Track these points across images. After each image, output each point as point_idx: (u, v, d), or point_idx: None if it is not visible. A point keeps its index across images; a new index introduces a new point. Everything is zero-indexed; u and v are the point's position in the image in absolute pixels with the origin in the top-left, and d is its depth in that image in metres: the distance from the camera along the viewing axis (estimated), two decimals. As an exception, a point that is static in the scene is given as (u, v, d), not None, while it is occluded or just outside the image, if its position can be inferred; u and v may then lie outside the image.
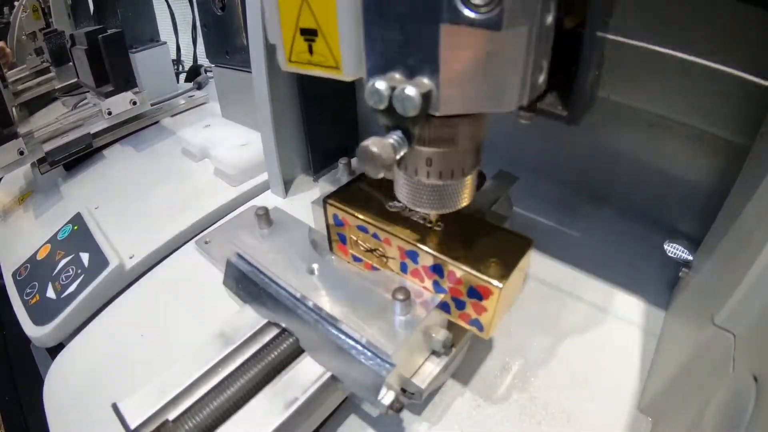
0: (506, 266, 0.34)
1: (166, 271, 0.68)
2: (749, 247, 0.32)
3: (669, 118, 0.57)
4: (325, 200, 0.41)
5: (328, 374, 0.38)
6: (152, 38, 1.25)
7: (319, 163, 0.78)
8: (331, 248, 0.44)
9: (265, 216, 0.46)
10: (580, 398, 0.45)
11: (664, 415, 0.42)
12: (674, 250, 0.61)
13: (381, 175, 0.26)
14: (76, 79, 1.18)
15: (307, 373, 0.38)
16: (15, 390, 0.93)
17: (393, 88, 0.25)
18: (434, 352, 0.40)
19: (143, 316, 0.62)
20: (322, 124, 0.74)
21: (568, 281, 0.58)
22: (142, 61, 1.15)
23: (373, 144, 0.26)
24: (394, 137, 0.27)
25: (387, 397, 0.35)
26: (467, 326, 0.37)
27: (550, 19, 0.24)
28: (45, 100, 1.31)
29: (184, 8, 1.40)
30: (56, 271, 0.75)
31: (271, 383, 0.38)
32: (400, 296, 0.35)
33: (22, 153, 0.92)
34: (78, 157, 1.01)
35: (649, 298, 0.55)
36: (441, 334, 0.38)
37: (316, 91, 0.71)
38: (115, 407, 0.38)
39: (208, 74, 1.28)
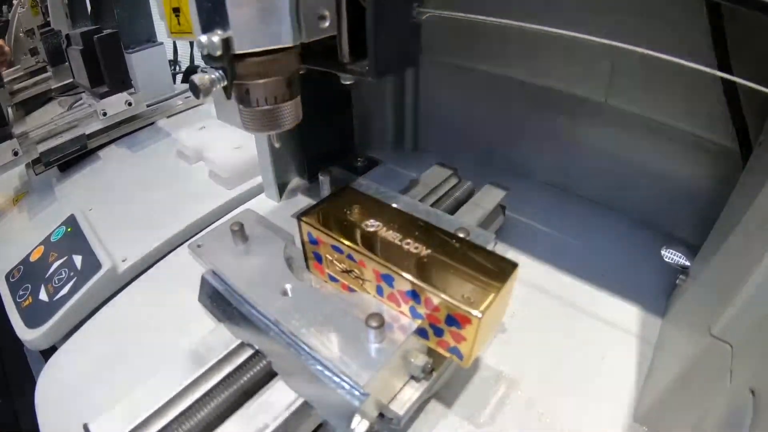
0: (487, 293, 0.31)
1: (159, 274, 0.66)
2: (748, 256, 0.30)
3: (668, 124, 0.55)
4: (299, 218, 0.38)
5: (301, 400, 0.35)
6: (149, 39, 1.23)
7: (314, 167, 0.75)
8: (307, 266, 0.42)
9: (240, 231, 0.43)
10: (575, 409, 0.43)
11: (660, 426, 0.40)
12: (671, 256, 0.59)
13: (201, 98, 0.37)
14: (72, 80, 1.16)
15: (279, 399, 0.36)
16: (8, 392, 0.91)
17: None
18: (414, 377, 0.37)
19: (135, 320, 0.60)
20: (317, 127, 0.71)
21: (563, 288, 0.55)
22: (138, 61, 1.13)
23: (196, 77, 0.35)
24: (214, 74, 0.35)
25: (361, 426, 0.32)
26: (446, 354, 0.35)
27: None
28: (41, 99, 1.30)
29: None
30: (49, 273, 0.73)
31: (243, 407, 0.36)
32: (374, 323, 0.32)
33: (16, 153, 0.89)
34: (73, 158, 0.98)
35: (645, 306, 0.53)
36: (420, 360, 0.35)
37: (311, 95, 0.68)
38: (85, 428, 0.36)
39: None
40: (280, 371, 0.37)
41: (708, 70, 0.32)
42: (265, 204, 0.74)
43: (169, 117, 1.11)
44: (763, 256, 0.27)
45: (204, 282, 0.43)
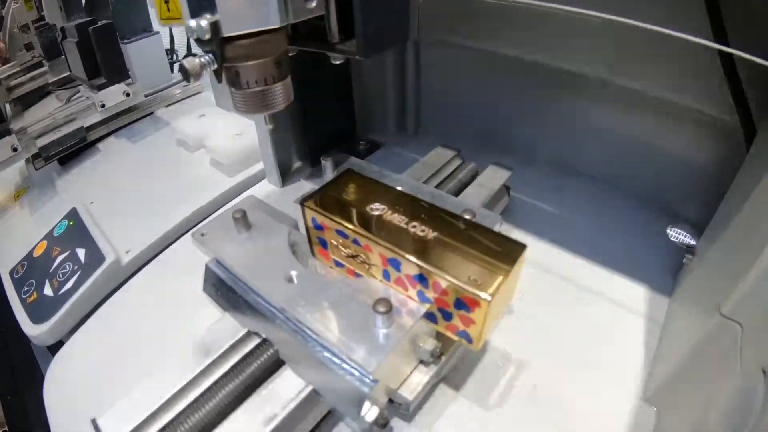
0: (495, 276, 0.31)
1: (163, 265, 0.65)
2: (757, 235, 0.30)
3: (672, 101, 0.54)
4: (302, 202, 0.37)
5: (310, 388, 0.35)
6: (145, 28, 1.21)
7: (316, 150, 0.74)
8: (312, 252, 0.41)
9: (242, 219, 0.42)
10: (584, 389, 0.42)
11: (669, 406, 0.40)
12: (677, 234, 0.58)
13: (192, 82, 0.36)
14: (69, 73, 1.15)
15: (287, 387, 0.35)
16: (16, 387, 0.92)
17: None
18: (422, 361, 0.37)
19: (141, 312, 0.59)
20: (318, 111, 0.70)
21: (569, 268, 0.54)
22: (134, 51, 1.11)
23: (186, 61, 0.35)
24: (204, 58, 0.35)
25: (371, 413, 0.32)
26: (455, 337, 0.34)
27: None
28: (39, 94, 1.30)
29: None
30: (53, 267, 0.72)
31: (251, 397, 0.35)
32: (382, 308, 0.31)
33: (15, 149, 0.89)
34: (72, 151, 0.98)
35: (652, 285, 0.52)
36: (429, 344, 0.35)
37: (310, 76, 0.67)
38: (93, 423, 0.36)
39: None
40: (287, 359, 0.36)
41: (701, 41, 0.31)
42: (267, 190, 0.73)
43: (167, 106, 1.10)
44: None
45: (208, 271, 0.42)
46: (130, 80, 0.99)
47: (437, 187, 0.51)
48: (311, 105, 0.68)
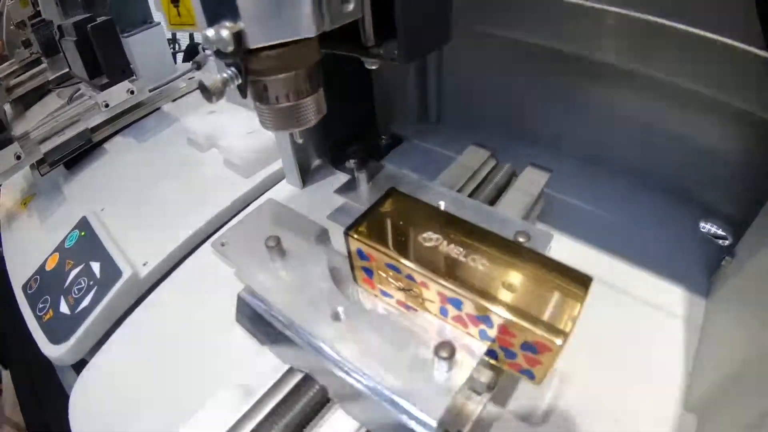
0: (565, 317, 0.28)
1: (183, 277, 0.63)
2: None
3: (705, 94, 0.51)
4: (347, 233, 0.34)
5: (364, 430, 0.33)
6: (145, 20, 1.17)
7: (336, 148, 0.71)
8: (355, 278, 0.39)
9: (277, 248, 0.40)
10: (626, 398, 0.41)
11: (713, 417, 0.38)
12: (710, 228, 0.56)
13: (214, 101, 0.33)
14: (68, 70, 1.12)
15: (340, 429, 0.33)
16: (39, 404, 0.91)
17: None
18: (475, 391, 0.35)
19: (164, 327, 0.57)
20: (337, 104, 0.67)
21: (601, 268, 0.51)
22: (136, 44, 1.07)
23: (205, 78, 0.32)
24: (226, 73, 0.32)
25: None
26: (516, 374, 0.32)
27: None
28: (39, 92, 1.29)
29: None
30: (67, 283, 0.70)
31: (301, 437, 0.34)
32: (445, 354, 0.29)
33: (19, 157, 0.86)
34: (78, 153, 0.95)
35: (687, 285, 0.50)
36: (485, 377, 0.33)
37: (329, 73, 0.65)
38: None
39: (207, 52, 1.21)
40: (338, 398, 0.34)
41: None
42: (287, 191, 0.70)
43: (174, 100, 1.07)
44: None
45: (241, 302, 0.40)
46: (133, 77, 0.96)
47: (474, 192, 0.49)
48: (330, 99, 0.66)
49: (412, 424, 0.30)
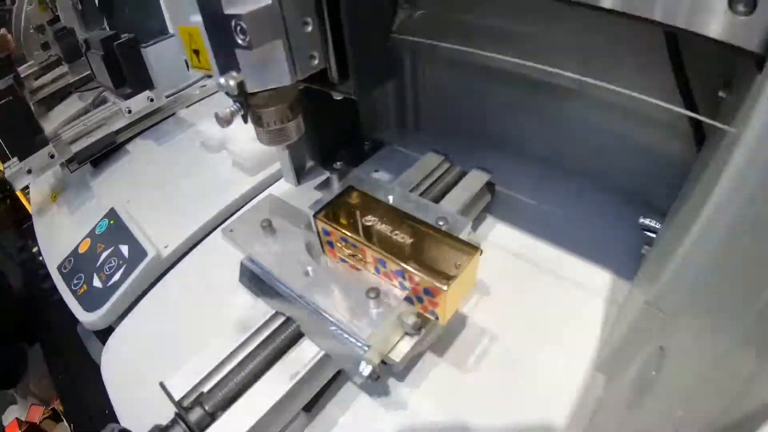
0: (453, 272, 0.46)
1: (198, 257, 0.83)
2: (685, 233, 0.39)
3: (637, 109, 0.66)
4: (315, 216, 0.53)
5: (322, 353, 0.51)
6: (161, 31, 1.36)
7: (326, 151, 0.91)
8: (323, 250, 0.57)
9: (269, 227, 0.59)
10: (546, 359, 0.58)
11: (613, 375, 0.54)
12: (648, 223, 0.71)
13: (225, 126, 0.50)
14: (88, 72, 1.30)
15: (306, 352, 0.52)
16: (67, 369, 1.10)
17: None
18: (407, 333, 0.53)
19: (182, 298, 0.77)
20: (327, 116, 0.85)
21: (544, 256, 0.70)
22: (153, 55, 1.25)
23: (219, 111, 0.48)
24: (233, 107, 0.49)
25: (366, 369, 0.48)
26: (428, 315, 0.50)
27: (306, 25, 0.46)
28: (60, 94, 1.46)
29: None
30: (99, 263, 0.90)
31: (280, 361, 0.52)
32: (372, 294, 0.48)
33: (52, 156, 1.05)
34: (103, 153, 1.15)
35: (618, 271, 0.66)
36: (410, 320, 0.51)
37: (319, 91, 0.83)
38: (162, 385, 0.52)
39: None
40: (306, 332, 0.53)
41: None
42: (284, 188, 0.90)
43: (188, 107, 1.27)
44: (685, 239, 0.38)
45: (243, 266, 0.59)
46: (153, 87, 1.15)
47: (426, 190, 0.67)
48: (321, 112, 0.84)
49: (352, 345, 0.48)
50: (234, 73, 0.45)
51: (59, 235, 1.05)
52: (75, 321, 0.90)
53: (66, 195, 1.16)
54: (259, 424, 0.48)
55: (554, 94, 0.74)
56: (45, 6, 1.64)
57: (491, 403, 0.55)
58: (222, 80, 0.46)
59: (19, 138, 1.01)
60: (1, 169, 1.07)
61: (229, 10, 0.41)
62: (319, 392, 0.55)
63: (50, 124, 1.23)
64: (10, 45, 2.01)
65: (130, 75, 1.08)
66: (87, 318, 0.84)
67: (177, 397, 0.50)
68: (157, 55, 1.25)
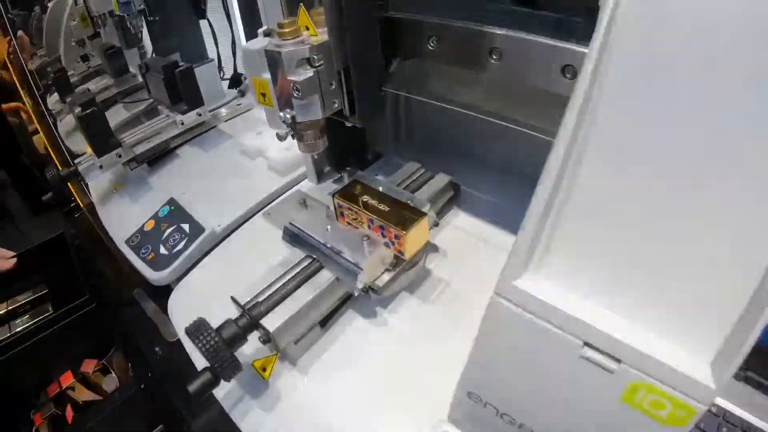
0: (408, 226, 0.86)
1: (244, 233, 1.24)
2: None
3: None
4: (333, 195, 0.93)
5: (334, 277, 0.91)
6: (202, 56, 1.77)
7: (340, 159, 1.32)
8: (336, 218, 0.97)
9: (303, 202, 0.99)
10: (486, 297, 0.96)
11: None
12: None
13: (283, 141, 0.89)
14: (130, 86, 1.71)
15: (324, 277, 0.91)
16: (126, 333, 1.40)
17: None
18: (387, 269, 0.91)
19: (231, 264, 1.17)
20: (341, 134, 1.21)
21: (500, 238, 1.08)
22: (198, 76, 1.66)
23: (280, 133, 0.87)
24: (286, 129, 0.86)
25: (360, 283, 0.87)
26: (398, 253, 0.89)
27: (331, 85, 0.83)
28: (107, 103, 1.83)
29: (224, 27, 1.88)
30: (164, 237, 1.28)
31: (307, 283, 0.91)
32: (365, 239, 0.88)
33: (119, 156, 1.45)
34: (158, 156, 1.56)
35: None
36: (388, 258, 0.90)
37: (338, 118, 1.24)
38: (232, 298, 0.91)
39: (247, 82, 1.78)
40: (324, 265, 0.92)
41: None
42: (308, 186, 1.32)
43: (226, 121, 1.67)
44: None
45: (285, 229, 0.98)
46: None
47: (406, 186, 1.07)
48: (338, 133, 1.12)
49: (353, 270, 0.87)
50: (288, 110, 0.83)
51: (123, 218, 1.44)
52: (131, 287, 1.30)
53: (127, 188, 1.55)
54: (291, 318, 0.87)
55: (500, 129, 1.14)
56: (87, 22, 1.96)
57: (445, 324, 0.94)
58: (281, 114, 0.84)
59: (99, 140, 1.42)
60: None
61: (290, 77, 0.79)
62: (330, 314, 0.94)
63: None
64: (29, 47, 2.42)
65: (187, 96, 1.49)
66: (156, 276, 1.22)
67: (242, 303, 0.89)
68: (200, 77, 1.61)
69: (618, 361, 0.47)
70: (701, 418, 0.45)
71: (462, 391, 0.67)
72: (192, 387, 0.77)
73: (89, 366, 1.75)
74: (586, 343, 0.49)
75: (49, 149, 2.02)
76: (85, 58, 2.21)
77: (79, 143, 1.86)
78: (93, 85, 2.04)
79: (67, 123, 2.01)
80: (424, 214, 0.89)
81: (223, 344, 0.77)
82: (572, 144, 0.48)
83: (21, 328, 1.67)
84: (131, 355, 1.61)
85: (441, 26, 0.90)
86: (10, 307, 1.74)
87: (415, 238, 0.88)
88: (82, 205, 1.73)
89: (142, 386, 1.52)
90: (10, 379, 1.68)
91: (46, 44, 2.39)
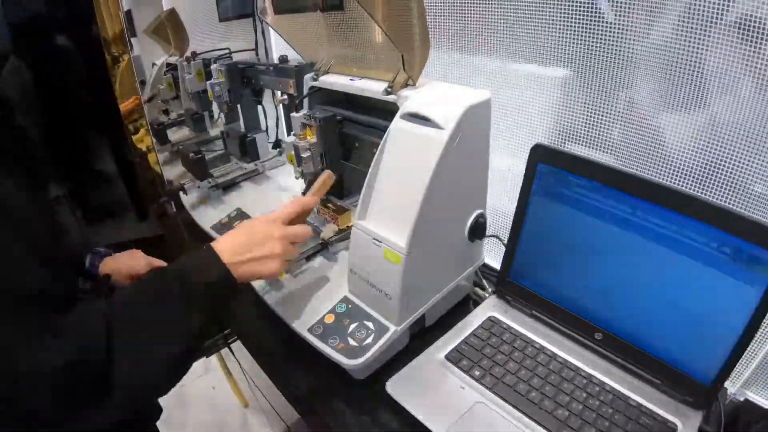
0: (342, 214, 2.04)
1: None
2: None
3: None
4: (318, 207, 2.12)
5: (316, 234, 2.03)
6: (256, 126, 2.40)
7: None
8: (318, 212, 2.12)
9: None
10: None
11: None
12: None
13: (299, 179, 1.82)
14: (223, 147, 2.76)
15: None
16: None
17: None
18: (335, 233, 2.05)
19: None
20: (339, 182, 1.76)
21: None
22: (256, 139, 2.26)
23: (295, 176, 1.82)
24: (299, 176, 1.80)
25: (323, 236, 2.01)
26: (337, 225, 2.05)
27: (318, 158, 1.79)
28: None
29: (271, 110, 2.61)
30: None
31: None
32: (329, 220, 2.03)
33: (209, 182, 2.54)
34: (228, 185, 2.19)
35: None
36: (333, 230, 2.05)
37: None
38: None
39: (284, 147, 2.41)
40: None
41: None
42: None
43: (269, 169, 2.25)
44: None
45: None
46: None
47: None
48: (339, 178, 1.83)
49: (319, 231, 2.04)
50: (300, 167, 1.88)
51: (207, 216, 2.17)
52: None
53: (210, 201, 2.14)
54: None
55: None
56: (202, 77, 2.50)
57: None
58: (297, 168, 1.86)
59: (201, 172, 2.16)
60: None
61: (302, 154, 1.83)
62: (308, 257, 2.06)
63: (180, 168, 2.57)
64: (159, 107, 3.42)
65: (251, 153, 2.26)
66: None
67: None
68: (256, 140, 2.29)
69: (380, 242, 1.32)
70: (408, 263, 1.38)
71: (349, 272, 1.49)
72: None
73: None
74: (374, 239, 1.42)
75: (156, 172, 2.89)
76: (165, 113, 3.11)
77: (167, 172, 2.66)
78: (174, 134, 3.00)
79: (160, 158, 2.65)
80: (348, 210, 2.04)
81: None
82: (373, 176, 1.52)
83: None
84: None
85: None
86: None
87: (344, 219, 2.01)
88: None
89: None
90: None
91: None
